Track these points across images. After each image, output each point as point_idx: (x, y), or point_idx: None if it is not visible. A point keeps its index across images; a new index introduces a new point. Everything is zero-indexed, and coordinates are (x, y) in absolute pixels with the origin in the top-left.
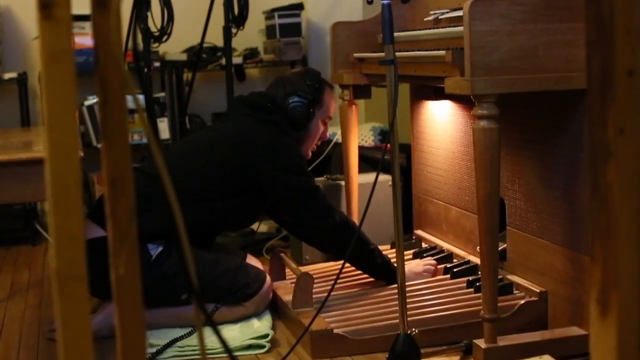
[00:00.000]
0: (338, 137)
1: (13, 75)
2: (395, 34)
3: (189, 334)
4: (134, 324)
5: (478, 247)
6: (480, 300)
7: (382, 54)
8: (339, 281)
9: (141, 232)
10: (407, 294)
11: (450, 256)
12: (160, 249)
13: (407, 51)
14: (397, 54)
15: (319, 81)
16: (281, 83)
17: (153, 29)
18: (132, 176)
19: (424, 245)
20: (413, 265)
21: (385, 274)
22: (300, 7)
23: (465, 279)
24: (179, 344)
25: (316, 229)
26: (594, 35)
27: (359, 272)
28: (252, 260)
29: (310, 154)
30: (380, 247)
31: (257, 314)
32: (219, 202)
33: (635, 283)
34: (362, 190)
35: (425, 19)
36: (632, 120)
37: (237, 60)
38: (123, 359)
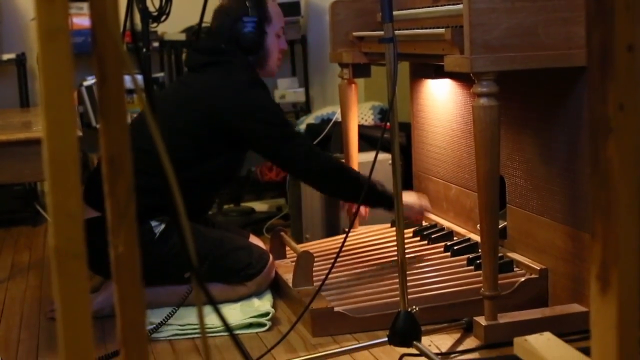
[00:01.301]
0: (338, 116)
1: (12, 56)
2: (395, 12)
3: (175, 310)
4: (133, 301)
5: (478, 225)
6: (481, 278)
7: (382, 33)
8: (339, 259)
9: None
10: (408, 272)
11: (450, 234)
12: (163, 226)
13: (407, 29)
14: (397, 32)
15: None
16: (223, 12)
17: (151, 8)
18: (131, 154)
19: (424, 223)
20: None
21: (385, 201)
22: None
23: (466, 256)
24: (179, 322)
25: (308, 172)
26: (594, 11)
27: (360, 250)
28: (254, 239)
29: (276, 70)
30: (381, 226)
31: (258, 293)
32: (204, 164)
33: (635, 259)
34: (362, 168)
35: None
36: (632, 95)
37: None
38: (123, 336)
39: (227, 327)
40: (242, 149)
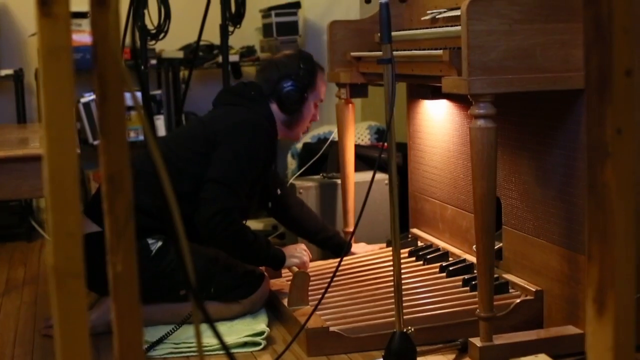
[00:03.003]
0: (334, 136)
1: (9, 72)
2: (393, 33)
3: (175, 329)
4: (131, 320)
5: (474, 246)
6: (476, 299)
7: (380, 53)
8: (335, 279)
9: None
10: (404, 292)
11: (446, 255)
12: (160, 244)
13: (405, 50)
14: (395, 53)
15: (313, 65)
16: (275, 67)
17: (150, 26)
18: (130, 173)
19: (419, 243)
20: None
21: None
22: (297, 5)
23: (461, 277)
24: (174, 340)
25: (205, 225)
26: (592, 35)
27: (355, 270)
28: None
29: (301, 135)
30: (376, 245)
31: (252, 312)
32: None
33: (631, 282)
34: (359, 188)
35: (422, 18)
36: (630, 119)
37: (233, 58)
38: (120, 355)
39: (224, 346)
40: None
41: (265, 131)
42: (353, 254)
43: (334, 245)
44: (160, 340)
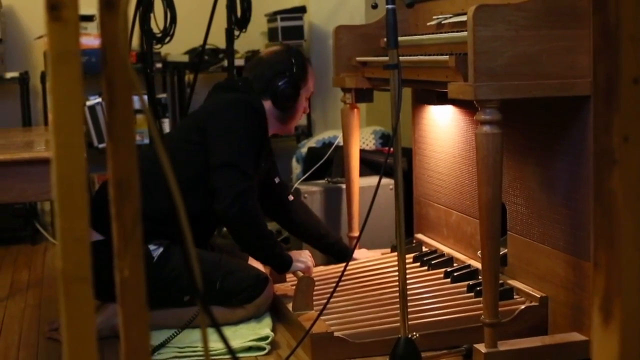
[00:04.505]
0: (339, 141)
1: (15, 74)
2: (399, 38)
3: (177, 333)
4: (138, 325)
5: (479, 252)
6: (481, 305)
7: (386, 58)
8: (340, 284)
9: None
10: (408, 298)
11: (450, 260)
12: (161, 250)
13: (410, 56)
14: (400, 58)
15: (303, 60)
16: (266, 64)
17: (156, 30)
18: (138, 178)
19: (424, 249)
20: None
21: (278, 263)
22: (302, 10)
23: (466, 283)
24: (179, 344)
25: (227, 211)
26: (600, 43)
27: (360, 275)
28: (253, 262)
29: (293, 130)
30: (378, 251)
31: (257, 316)
32: (202, 187)
33: (638, 290)
34: (363, 193)
35: (428, 24)
36: (637, 127)
37: (239, 62)
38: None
39: (230, 350)
40: None
41: (257, 110)
42: (355, 259)
43: (336, 251)
44: (163, 344)
